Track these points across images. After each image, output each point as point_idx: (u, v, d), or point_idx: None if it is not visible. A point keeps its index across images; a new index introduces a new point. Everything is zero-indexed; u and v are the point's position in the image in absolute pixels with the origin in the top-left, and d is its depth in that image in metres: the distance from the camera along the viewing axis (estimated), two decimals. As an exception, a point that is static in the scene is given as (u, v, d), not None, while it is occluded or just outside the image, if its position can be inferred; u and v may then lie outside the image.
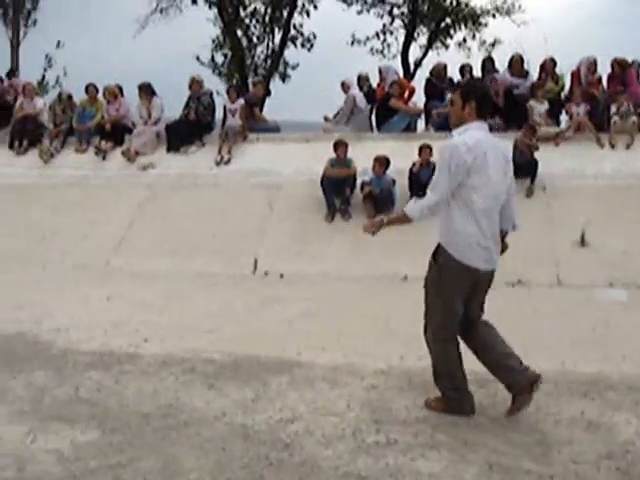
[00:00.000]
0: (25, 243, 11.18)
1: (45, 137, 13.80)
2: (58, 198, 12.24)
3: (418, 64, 25.56)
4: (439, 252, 4.78)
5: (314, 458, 4.21)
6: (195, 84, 13.62)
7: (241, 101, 13.55)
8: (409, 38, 25.14)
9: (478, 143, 4.66)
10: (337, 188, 10.98)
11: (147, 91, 13.53)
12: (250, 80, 24.28)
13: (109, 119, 13.62)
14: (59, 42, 29.20)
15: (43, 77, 27.83)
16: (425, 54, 25.68)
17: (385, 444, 4.40)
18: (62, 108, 14.11)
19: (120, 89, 14.22)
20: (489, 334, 5.00)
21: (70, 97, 14.38)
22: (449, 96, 13.16)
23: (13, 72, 17.27)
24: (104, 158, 13.23)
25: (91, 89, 14.03)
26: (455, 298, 4.77)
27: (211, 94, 13.86)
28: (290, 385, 5.53)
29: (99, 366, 6.01)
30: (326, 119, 14.21)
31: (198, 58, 25.82)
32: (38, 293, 8.77)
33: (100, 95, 14.07)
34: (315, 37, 25.57)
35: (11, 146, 13.94)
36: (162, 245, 10.78)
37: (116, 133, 13.49)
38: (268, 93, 17.13)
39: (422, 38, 25.88)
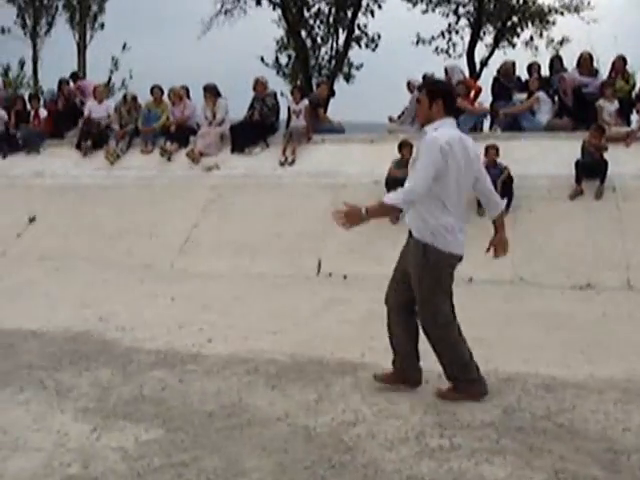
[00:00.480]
0: (91, 243, 11.40)
1: (111, 139, 14.02)
2: (124, 199, 12.45)
3: (484, 63, 25.36)
4: (428, 251, 5.04)
5: (377, 461, 4.19)
6: (259, 85, 13.70)
7: (305, 102, 13.57)
8: (475, 37, 24.94)
9: (451, 138, 5.01)
10: (401, 189, 10.91)
11: (212, 92, 13.64)
12: (314, 81, 24.37)
13: (174, 121, 13.78)
14: (125, 44, 29.86)
15: (109, 79, 28.37)
16: (491, 53, 25.49)
17: (449, 448, 4.36)
18: (127, 110, 14.34)
19: (186, 90, 14.38)
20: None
21: (135, 99, 14.60)
22: (516, 96, 13.03)
23: (77, 75, 17.58)
24: (169, 159, 13.38)
25: (156, 91, 14.22)
26: (449, 284, 5.22)
27: (275, 95, 13.93)
28: (353, 387, 5.52)
29: (163, 365, 6.09)
30: (391, 120, 14.16)
31: (262, 59, 26.11)
32: (104, 292, 8.93)
33: (165, 97, 14.26)
34: (379, 37, 25.65)
35: (78, 147, 14.21)
36: (226, 246, 10.88)
37: (181, 134, 13.63)
38: (332, 94, 17.13)
39: (488, 37, 25.74)
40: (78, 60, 28.69)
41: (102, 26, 30.80)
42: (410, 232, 5.21)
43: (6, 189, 13.48)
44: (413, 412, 4.95)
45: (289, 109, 13.71)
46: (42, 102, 16.15)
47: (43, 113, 15.43)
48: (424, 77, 14.09)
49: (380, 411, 4.98)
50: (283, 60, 26.48)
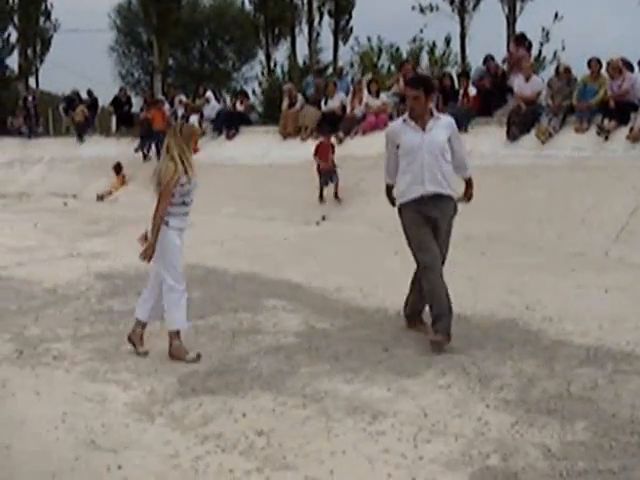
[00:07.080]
0: (519, 226, 11.47)
1: (543, 116, 13.92)
2: (555, 180, 12.33)
3: None
4: (455, 204, 6.79)
5: None
6: None
7: None
8: None
9: None
10: None
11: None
12: None
13: (612, 95, 13.30)
14: (557, 15, 29.55)
15: (539, 52, 28.26)
16: None
17: None
18: (560, 85, 14.16)
19: (625, 63, 13.80)
20: None
21: (569, 71, 14.38)
22: None
23: (491, 57, 17.34)
24: (606, 138, 12.91)
25: (594, 64, 13.80)
26: None
27: None
28: None
29: (593, 362, 5.97)
30: None
31: None
32: (531, 279, 8.93)
33: (603, 70, 13.83)
34: None
35: (508, 131, 14.28)
36: (668, 235, 10.32)
37: (620, 111, 13.12)
38: None
39: None
40: (507, 33, 28.95)
41: (533, -4, 30.93)
42: (436, 193, 6.51)
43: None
44: None
45: None
46: (471, 80, 16.52)
47: (472, 91, 15.81)
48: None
49: None
50: None
